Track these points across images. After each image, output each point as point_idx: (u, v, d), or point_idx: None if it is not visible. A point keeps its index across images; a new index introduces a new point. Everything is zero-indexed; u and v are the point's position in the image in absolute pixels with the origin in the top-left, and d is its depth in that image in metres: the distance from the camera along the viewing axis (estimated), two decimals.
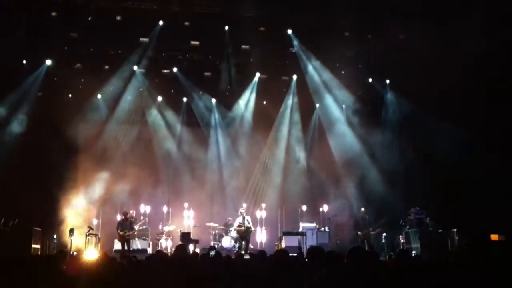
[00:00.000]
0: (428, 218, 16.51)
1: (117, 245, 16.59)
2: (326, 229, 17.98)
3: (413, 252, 14.88)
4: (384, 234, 17.06)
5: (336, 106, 19.77)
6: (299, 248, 15.38)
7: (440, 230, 15.98)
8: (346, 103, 19.73)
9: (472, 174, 15.67)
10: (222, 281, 5.51)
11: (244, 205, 18.41)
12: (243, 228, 16.87)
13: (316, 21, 17.19)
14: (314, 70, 18.84)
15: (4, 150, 16.46)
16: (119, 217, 17.17)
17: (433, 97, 16.75)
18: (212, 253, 8.48)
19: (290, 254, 6.70)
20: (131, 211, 17.41)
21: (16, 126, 17.24)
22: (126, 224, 16.29)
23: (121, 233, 16.11)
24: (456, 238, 15.41)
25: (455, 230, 15.58)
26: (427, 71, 16.18)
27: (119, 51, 17.67)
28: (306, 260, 6.52)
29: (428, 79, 16.50)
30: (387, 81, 19.40)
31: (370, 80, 19.24)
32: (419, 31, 15.32)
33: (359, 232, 16.60)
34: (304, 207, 19.11)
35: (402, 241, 16.70)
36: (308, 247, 12.79)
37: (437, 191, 17.15)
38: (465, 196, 15.99)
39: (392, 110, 19.64)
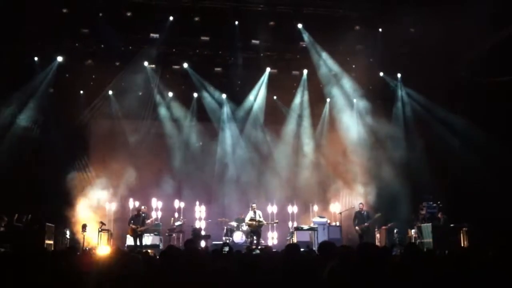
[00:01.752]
0: (440, 212, 16.43)
1: (130, 241, 16.69)
2: (338, 224, 17.98)
3: (426, 247, 14.81)
4: (396, 229, 17.00)
5: (347, 100, 19.67)
6: (307, 245, 15.38)
7: (452, 225, 15.89)
8: (357, 97, 19.62)
9: (484, 168, 15.57)
10: (234, 276, 5.51)
11: (255, 200, 18.41)
12: (254, 222, 16.90)
13: (326, 15, 17.10)
14: (325, 64, 18.74)
15: (16, 146, 16.58)
16: (131, 213, 17.30)
17: (445, 91, 16.64)
18: (226, 249, 8.50)
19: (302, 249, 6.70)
20: (143, 207, 17.48)
21: (28, 122, 17.37)
22: (139, 219, 16.38)
23: (133, 226, 16.18)
24: (468, 232, 15.32)
25: (467, 224, 15.49)
26: (439, 65, 16.06)
27: (130, 47, 17.71)
28: (318, 254, 6.50)
29: (440, 73, 16.39)
30: (399, 75, 19.27)
31: (381, 73, 19.13)
32: (430, 24, 15.18)
33: (356, 227, 16.64)
34: (315, 202, 19.08)
35: (414, 235, 16.64)
36: (319, 242, 12.77)
37: (449, 185, 17.06)
38: (477, 190, 15.86)
39: (403, 104, 19.52)
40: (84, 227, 16.23)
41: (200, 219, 19.14)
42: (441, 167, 17.42)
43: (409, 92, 19.14)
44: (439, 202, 16.66)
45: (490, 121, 15.87)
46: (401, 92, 19.48)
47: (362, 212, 16.99)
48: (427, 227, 15.99)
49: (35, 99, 17.50)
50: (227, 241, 16.95)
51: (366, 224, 16.87)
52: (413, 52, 16.95)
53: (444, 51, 15.73)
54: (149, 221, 16.92)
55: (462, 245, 15.00)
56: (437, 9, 14.84)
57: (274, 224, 18.59)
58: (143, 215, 16.69)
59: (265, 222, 17.42)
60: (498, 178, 15.35)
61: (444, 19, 14.65)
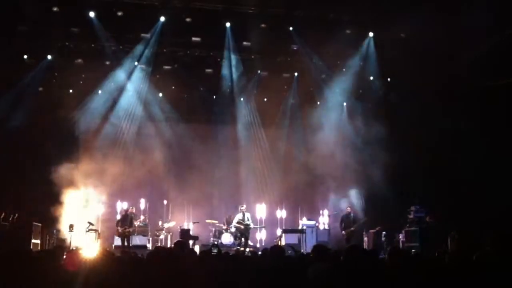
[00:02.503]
0: (428, 216, 16.46)
1: (117, 241, 16.63)
2: (326, 226, 18.01)
3: (413, 250, 14.83)
4: (384, 232, 17.04)
5: (336, 103, 19.72)
6: (291, 246, 15.36)
7: (440, 229, 15.91)
8: (347, 101, 19.67)
9: (475, 173, 15.63)
10: (222, 278, 5.50)
11: (244, 202, 18.39)
12: (242, 224, 16.88)
13: (317, 18, 17.13)
14: (315, 67, 18.79)
15: (5, 145, 16.45)
16: (119, 213, 17.21)
17: (438, 94, 16.65)
18: (215, 250, 8.52)
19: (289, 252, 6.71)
20: (131, 207, 17.41)
21: (17, 121, 17.23)
22: (127, 220, 16.32)
23: (120, 229, 16.12)
24: (456, 236, 15.36)
25: (456, 228, 15.52)
26: (432, 67, 16.10)
27: (120, 47, 17.66)
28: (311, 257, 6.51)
29: (433, 75, 16.41)
30: (388, 79, 19.35)
31: (371, 77, 19.19)
32: (420, 29, 15.23)
33: (343, 232, 16.64)
34: (304, 204, 19.09)
35: (402, 239, 16.67)
36: (310, 245, 12.77)
37: (439, 189, 17.10)
38: (468, 195, 15.90)
39: (393, 108, 19.56)
40: (71, 226, 16.13)
41: (188, 220, 19.07)
42: (431, 171, 17.44)
43: (400, 95, 19.19)
44: (427, 206, 16.70)
45: (486, 124, 15.92)
46: (391, 95, 19.53)
47: (349, 215, 16.99)
48: (415, 231, 16.02)
49: (25, 97, 17.37)
50: (215, 242, 16.93)
51: (352, 228, 16.86)
52: (404, 56, 16.99)
53: (439, 54, 15.77)
54: (136, 222, 16.85)
55: (450, 249, 15.02)
56: (431, 11, 14.89)
57: (264, 227, 18.61)
58: (131, 216, 16.63)
59: (252, 226, 17.40)
60: (490, 182, 15.37)
61: (440, 21, 14.69)
